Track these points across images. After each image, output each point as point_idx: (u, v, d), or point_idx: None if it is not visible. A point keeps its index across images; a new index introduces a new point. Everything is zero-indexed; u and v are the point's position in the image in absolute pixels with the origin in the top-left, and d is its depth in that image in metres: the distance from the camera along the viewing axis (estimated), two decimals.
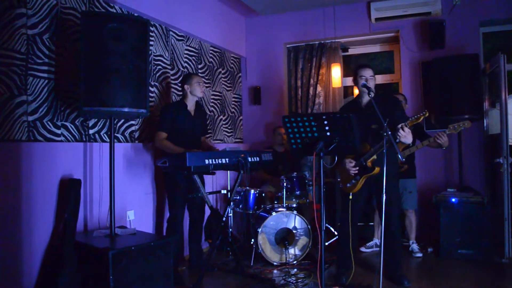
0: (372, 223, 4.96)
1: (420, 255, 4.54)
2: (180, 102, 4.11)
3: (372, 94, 3.41)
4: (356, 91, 4.58)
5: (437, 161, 5.21)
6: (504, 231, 4.25)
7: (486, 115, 5.02)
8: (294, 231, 4.34)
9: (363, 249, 4.85)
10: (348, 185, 3.67)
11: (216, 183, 5.23)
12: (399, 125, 3.27)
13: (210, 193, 4.17)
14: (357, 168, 3.59)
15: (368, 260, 4.49)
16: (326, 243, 4.64)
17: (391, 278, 3.67)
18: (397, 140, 3.22)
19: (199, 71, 5.21)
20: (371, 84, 3.60)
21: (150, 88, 4.25)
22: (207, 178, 4.63)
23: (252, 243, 4.36)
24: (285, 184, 4.53)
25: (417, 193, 4.72)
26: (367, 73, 3.65)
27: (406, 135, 3.23)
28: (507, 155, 4.24)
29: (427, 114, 3.45)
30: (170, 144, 3.84)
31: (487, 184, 4.99)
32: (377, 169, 3.53)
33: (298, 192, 4.68)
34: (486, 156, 5.02)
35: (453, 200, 4.41)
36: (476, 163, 5.05)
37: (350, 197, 3.64)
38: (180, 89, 4.71)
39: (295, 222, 4.36)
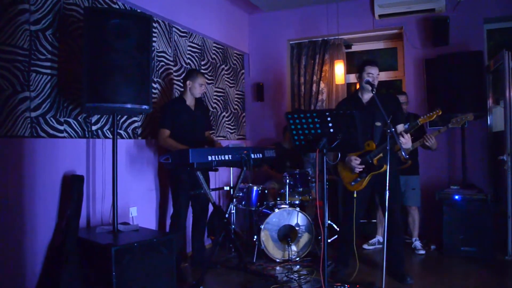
0: (375, 220, 4.96)
1: (423, 252, 4.53)
2: (179, 99, 4.10)
3: (374, 91, 3.43)
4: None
5: (440, 158, 5.19)
6: (508, 229, 4.23)
7: (490, 112, 5.00)
8: (296, 228, 4.33)
9: (365, 246, 4.85)
10: (353, 183, 3.65)
11: (219, 180, 5.23)
12: (399, 132, 3.39)
13: (213, 189, 4.16)
14: (363, 166, 3.58)
15: (371, 257, 4.49)
16: (329, 240, 4.64)
17: (394, 276, 3.67)
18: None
19: (202, 67, 5.20)
20: (376, 83, 3.60)
21: (153, 85, 4.25)
22: (210, 174, 4.63)
23: (254, 239, 4.36)
24: (287, 181, 4.52)
25: (420, 190, 4.71)
26: (375, 71, 3.62)
27: (406, 142, 3.37)
28: (511, 152, 4.22)
29: (440, 113, 3.51)
30: (174, 142, 3.84)
31: (491, 181, 4.97)
32: (385, 167, 3.52)
33: (301, 189, 4.67)
34: (489, 153, 5.00)
35: (456, 197, 4.39)
36: (479, 160, 5.02)
37: (355, 195, 3.62)
38: (183, 85, 4.71)
39: (298, 219, 4.35)
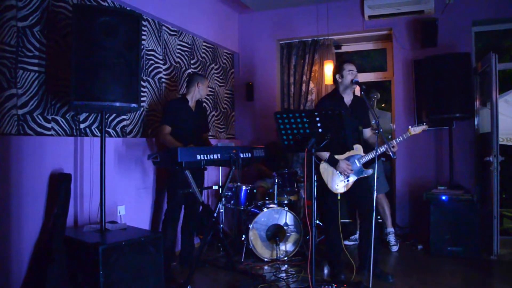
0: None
1: (396, 248, 4.59)
2: (183, 99, 4.15)
3: (357, 91, 3.46)
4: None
5: (428, 159, 5.24)
6: (493, 229, 4.29)
7: (477, 114, 5.06)
8: (285, 228, 4.34)
9: (346, 242, 4.88)
10: (338, 186, 3.66)
11: (207, 179, 5.21)
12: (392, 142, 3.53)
13: (201, 188, 4.15)
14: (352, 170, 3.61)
15: (355, 255, 4.48)
16: (317, 240, 4.65)
17: (375, 276, 3.65)
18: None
19: (192, 66, 5.19)
20: (357, 79, 3.65)
21: (142, 83, 4.23)
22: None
23: (243, 239, 4.36)
24: (276, 180, 4.53)
25: (384, 177, 4.80)
26: (354, 68, 3.66)
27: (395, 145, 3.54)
28: (497, 153, 4.28)
29: (427, 127, 3.64)
30: (172, 140, 3.87)
31: (477, 182, 5.02)
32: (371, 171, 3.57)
33: (289, 189, 4.68)
34: (476, 154, 5.05)
35: (444, 197, 4.43)
36: (466, 161, 5.08)
37: (339, 197, 3.63)
38: (172, 84, 4.71)
39: (286, 218, 4.36)
